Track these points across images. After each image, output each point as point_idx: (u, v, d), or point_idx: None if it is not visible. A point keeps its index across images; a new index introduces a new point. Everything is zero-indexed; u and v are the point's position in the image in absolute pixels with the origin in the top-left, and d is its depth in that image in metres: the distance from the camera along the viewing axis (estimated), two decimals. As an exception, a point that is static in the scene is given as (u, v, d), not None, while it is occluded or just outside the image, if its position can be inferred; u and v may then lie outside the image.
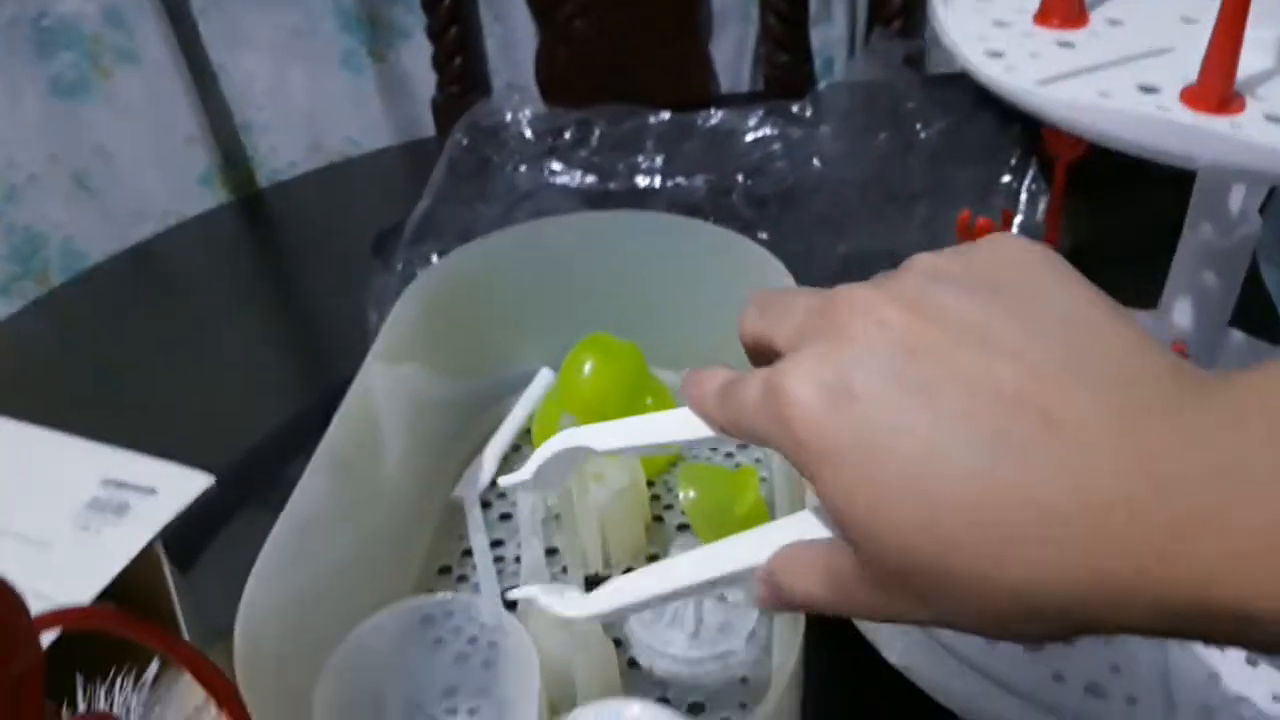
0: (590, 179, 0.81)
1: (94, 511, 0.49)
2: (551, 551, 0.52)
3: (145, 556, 0.48)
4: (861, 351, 0.24)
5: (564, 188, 0.81)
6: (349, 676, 0.41)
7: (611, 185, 0.81)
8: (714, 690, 0.46)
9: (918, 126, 0.79)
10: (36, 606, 0.29)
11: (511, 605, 0.43)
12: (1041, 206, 0.69)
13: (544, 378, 0.62)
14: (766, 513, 0.52)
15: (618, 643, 0.47)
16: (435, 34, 1.02)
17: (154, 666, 0.35)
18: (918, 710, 0.44)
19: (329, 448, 0.45)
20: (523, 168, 0.82)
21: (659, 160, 0.82)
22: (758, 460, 0.57)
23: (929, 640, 0.45)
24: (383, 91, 1.31)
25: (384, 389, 0.50)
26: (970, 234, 0.42)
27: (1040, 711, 0.42)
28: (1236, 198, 0.45)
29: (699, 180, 0.81)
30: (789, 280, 0.51)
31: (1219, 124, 0.33)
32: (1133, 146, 0.33)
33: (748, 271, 0.53)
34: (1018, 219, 0.67)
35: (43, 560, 0.48)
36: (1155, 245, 0.54)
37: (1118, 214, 0.73)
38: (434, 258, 0.70)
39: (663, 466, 0.57)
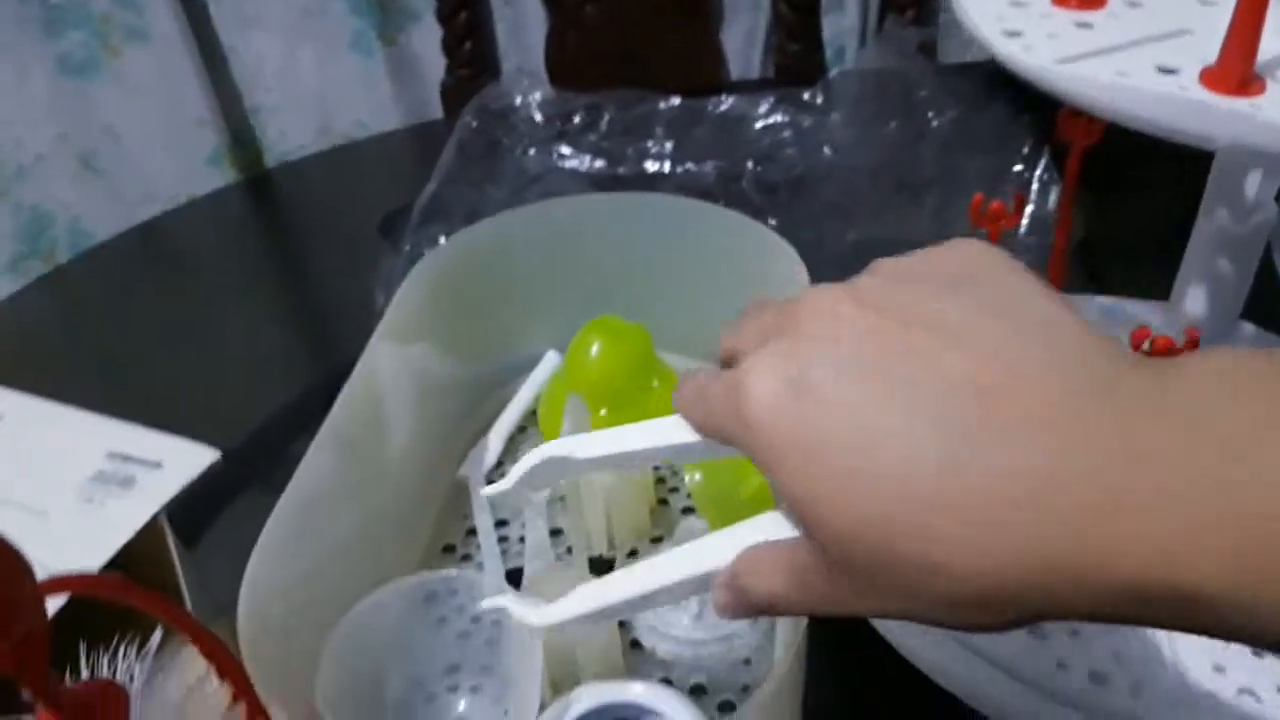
0: (599, 163, 0.81)
1: (99, 484, 0.49)
2: (556, 533, 0.52)
3: (150, 530, 0.48)
4: (818, 347, 0.25)
5: (573, 172, 0.81)
6: (351, 652, 0.41)
7: (621, 170, 0.81)
8: (717, 672, 0.46)
9: (929, 115, 0.79)
10: (40, 577, 0.29)
11: (516, 584, 0.43)
12: (1053, 196, 0.69)
13: (550, 360, 0.62)
14: (772, 497, 0.52)
15: (621, 624, 0.47)
16: (445, 17, 1.02)
17: (157, 637, 0.35)
18: (921, 695, 0.44)
19: (333, 425, 0.45)
20: (532, 151, 0.82)
21: (669, 146, 0.82)
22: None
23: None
24: (392, 75, 1.30)
25: (390, 369, 0.50)
26: (983, 219, 0.42)
27: (1043, 698, 0.42)
28: (1253, 183, 0.44)
29: (709, 166, 0.80)
30: (800, 265, 0.50)
31: (1239, 104, 0.33)
32: (1151, 126, 0.33)
33: (758, 255, 0.53)
34: (1029, 207, 0.67)
35: (47, 531, 0.48)
36: (1167, 238, 0.53)
37: (1130, 206, 0.72)
38: (442, 239, 0.70)
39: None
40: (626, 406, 0.55)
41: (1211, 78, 0.35)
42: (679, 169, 0.80)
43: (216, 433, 0.52)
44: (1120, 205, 0.70)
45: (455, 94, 1.03)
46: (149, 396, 0.68)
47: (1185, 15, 0.40)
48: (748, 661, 0.46)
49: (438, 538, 0.53)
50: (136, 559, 0.47)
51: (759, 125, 0.82)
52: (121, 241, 0.87)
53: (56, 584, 0.31)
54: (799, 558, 0.26)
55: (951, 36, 1.10)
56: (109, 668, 0.34)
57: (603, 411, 0.56)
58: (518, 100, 0.85)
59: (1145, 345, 0.36)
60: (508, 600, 0.35)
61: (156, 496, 0.48)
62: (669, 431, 0.32)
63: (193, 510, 0.54)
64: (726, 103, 0.83)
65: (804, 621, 0.36)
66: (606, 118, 0.84)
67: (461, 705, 0.45)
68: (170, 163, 1.28)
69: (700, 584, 0.30)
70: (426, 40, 1.27)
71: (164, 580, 0.48)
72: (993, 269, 0.25)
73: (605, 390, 0.55)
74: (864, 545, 0.23)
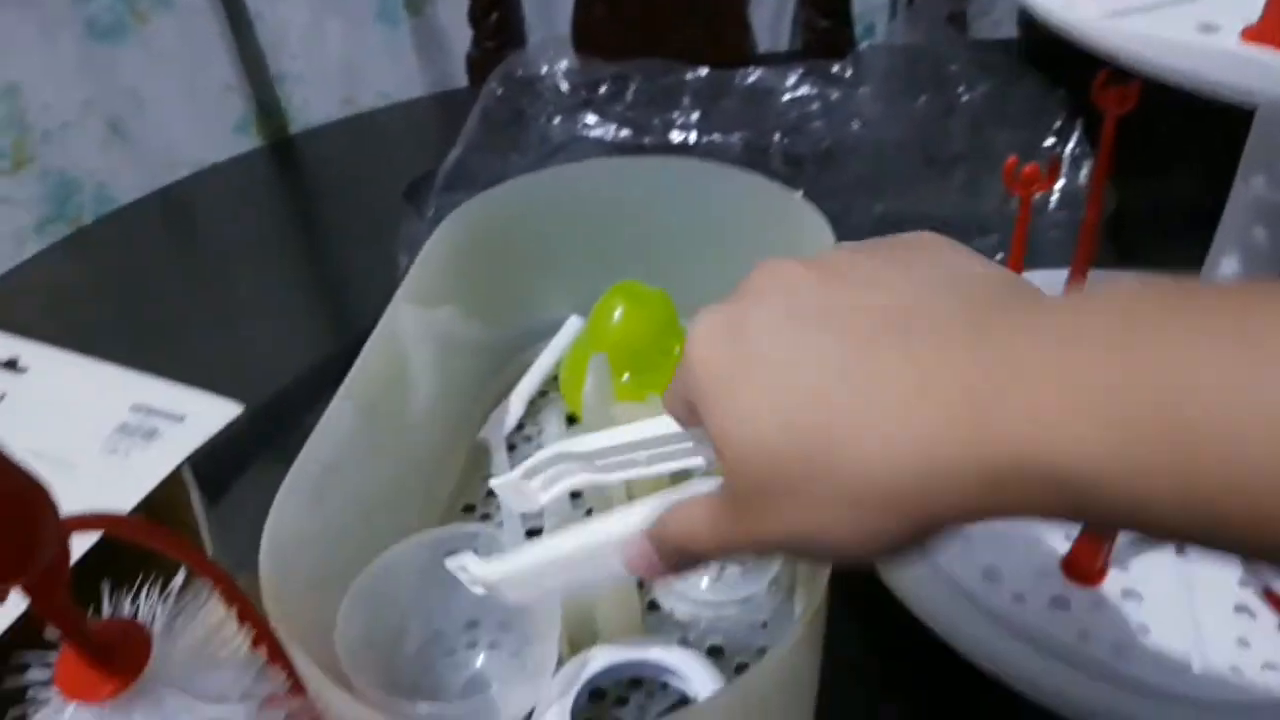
0: (625, 133, 0.80)
1: (123, 435, 0.49)
2: (576, 495, 0.52)
3: (173, 481, 0.48)
4: (760, 299, 0.27)
5: (598, 141, 0.80)
6: (372, 604, 0.41)
7: (646, 140, 0.80)
8: (734, 634, 0.45)
9: (960, 89, 0.78)
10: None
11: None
12: (1085, 171, 0.68)
13: (573, 325, 0.61)
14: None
15: (640, 584, 0.47)
16: (472, -13, 1.02)
17: (179, 580, 0.35)
18: (941, 662, 0.44)
19: (353, 382, 0.45)
20: (557, 120, 0.82)
21: (695, 116, 0.81)
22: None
23: (954, 592, 0.45)
24: (418, 46, 1.30)
25: (411, 329, 0.50)
26: (1016, 181, 0.41)
27: (1066, 667, 0.42)
28: (1293, 147, 0.43)
29: (735, 138, 0.80)
30: (827, 231, 0.50)
31: (1281, 59, 0.32)
32: (1192, 82, 0.32)
33: (784, 221, 0.52)
34: (1060, 182, 0.66)
35: (71, 481, 0.48)
36: (1199, 212, 0.53)
37: (1162, 183, 0.71)
38: (466, 205, 0.70)
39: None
40: (648, 371, 0.55)
41: (1253, 34, 0.34)
42: (705, 140, 0.80)
43: (239, 393, 0.52)
44: (1152, 181, 0.69)
45: (481, 65, 1.03)
46: (172, 356, 0.68)
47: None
48: (765, 625, 0.45)
49: (458, 497, 0.53)
50: (159, 511, 0.47)
51: (787, 97, 0.82)
52: (146, 204, 0.88)
53: (81, 521, 0.31)
54: (712, 500, 0.28)
55: (984, 15, 1.08)
56: (131, 608, 0.34)
57: (624, 377, 0.56)
58: (544, 69, 0.85)
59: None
60: (468, 558, 0.36)
61: (180, 448, 0.49)
62: (665, 424, 0.33)
63: (215, 470, 0.55)
64: (754, 74, 0.82)
65: (823, 584, 0.36)
66: (633, 87, 0.83)
67: (480, 661, 0.45)
68: (196, 130, 1.28)
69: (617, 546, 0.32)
70: (453, 11, 1.27)
71: (186, 532, 0.48)
72: (939, 247, 0.27)
73: (627, 355, 0.55)
74: (777, 462, 0.25)
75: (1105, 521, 0.22)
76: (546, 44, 0.88)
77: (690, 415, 0.29)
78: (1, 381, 0.53)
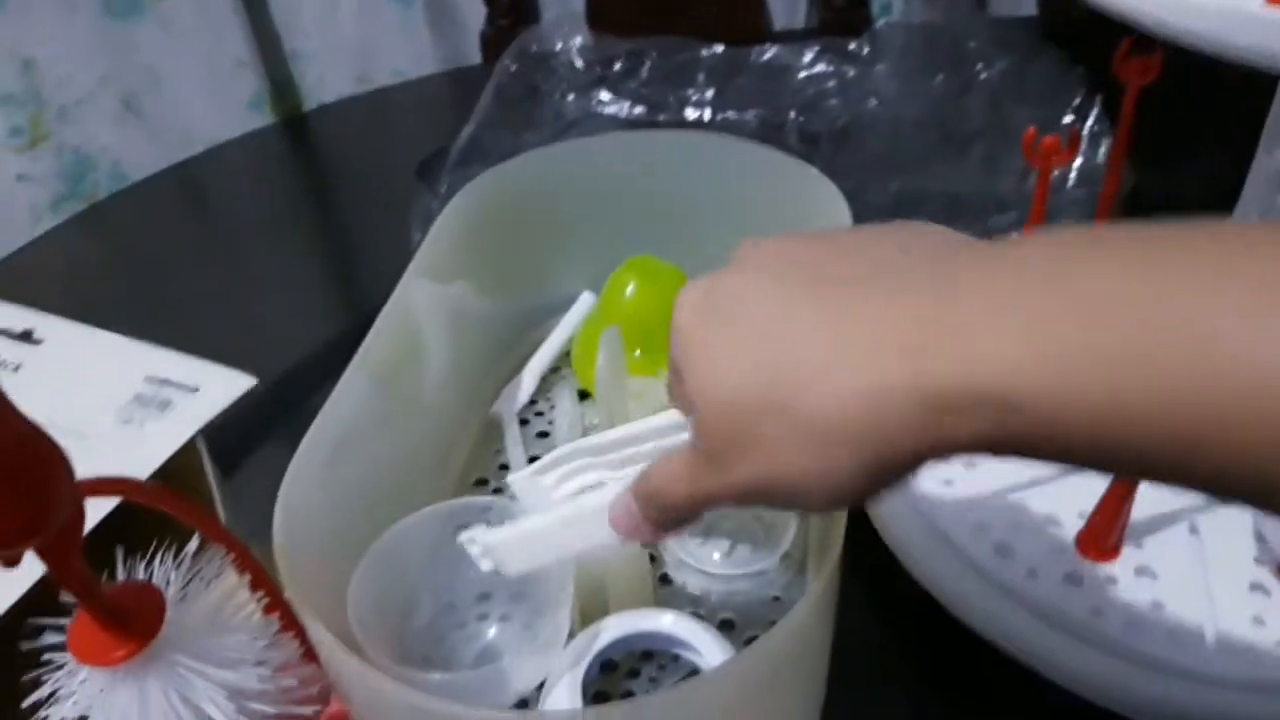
0: (639, 110, 0.80)
1: (137, 406, 0.49)
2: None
3: (187, 452, 0.48)
4: (743, 267, 0.28)
5: (612, 118, 0.80)
6: (384, 574, 0.41)
7: (661, 117, 0.80)
8: (745, 608, 0.45)
9: (978, 67, 0.77)
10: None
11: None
12: (1103, 149, 0.67)
13: (585, 301, 0.61)
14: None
15: (652, 558, 0.47)
16: (487, -36, 1.01)
17: (192, 546, 0.36)
18: (953, 638, 0.44)
19: (365, 356, 0.45)
20: (571, 96, 0.81)
21: (710, 94, 0.81)
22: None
23: (966, 568, 0.44)
24: (432, 23, 1.29)
25: (423, 303, 0.50)
26: (1035, 153, 0.41)
27: (1078, 644, 0.41)
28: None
29: (750, 115, 0.79)
30: (842, 205, 0.49)
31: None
32: (1215, 46, 0.32)
33: (801, 196, 0.52)
34: (1078, 161, 0.66)
35: (86, 451, 0.48)
36: (1220, 190, 0.52)
37: (1181, 162, 0.71)
38: (479, 181, 0.70)
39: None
40: (660, 348, 0.54)
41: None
42: (720, 117, 0.79)
43: (252, 368, 0.52)
44: (1171, 159, 0.69)
45: (495, 43, 1.02)
46: (186, 331, 0.68)
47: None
48: (777, 599, 0.45)
49: (470, 471, 0.53)
50: (173, 481, 0.47)
51: (803, 75, 0.81)
52: (160, 180, 0.88)
53: (97, 484, 0.31)
54: (687, 454, 0.29)
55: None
56: (145, 572, 0.34)
57: (636, 353, 0.56)
58: (558, 45, 0.84)
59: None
60: (478, 531, 0.37)
61: (194, 419, 0.49)
62: (676, 415, 0.35)
63: (228, 444, 0.55)
64: (770, 52, 0.82)
65: (835, 557, 0.35)
66: (647, 64, 0.82)
67: (492, 633, 0.45)
68: (211, 108, 1.28)
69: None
70: (468, -11, 1.26)
71: (201, 502, 0.48)
72: (918, 226, 0.28)
73: (639, 331, 0.55)
74: (740, 406, 0.26)
75: (1041, 451, 0.23)
76: (561, 20, 0.87)
77: (678, 384, 0.30)
78: (17, 353, 0.54)
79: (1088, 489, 0.45)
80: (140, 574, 0.34)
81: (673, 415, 0.36)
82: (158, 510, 0.35)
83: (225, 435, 0.52)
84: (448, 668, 0.43)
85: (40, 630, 0.32)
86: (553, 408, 0.57)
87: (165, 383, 0.51)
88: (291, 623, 0.38)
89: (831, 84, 0.80)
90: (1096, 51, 0.48)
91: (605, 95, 0.81)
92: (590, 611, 0.44)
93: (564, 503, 0.36)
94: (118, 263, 0.80)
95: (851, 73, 0.80)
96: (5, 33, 1.16)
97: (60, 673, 0.32)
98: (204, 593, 0.35)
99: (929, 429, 0.23)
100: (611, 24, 0.95)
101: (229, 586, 0.37)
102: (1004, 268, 0.24)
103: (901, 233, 0.28)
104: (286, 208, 0.84)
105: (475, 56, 1.07)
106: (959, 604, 0.44)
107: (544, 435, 0.55)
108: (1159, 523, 0.46)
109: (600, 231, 0.59)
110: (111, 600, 0.31)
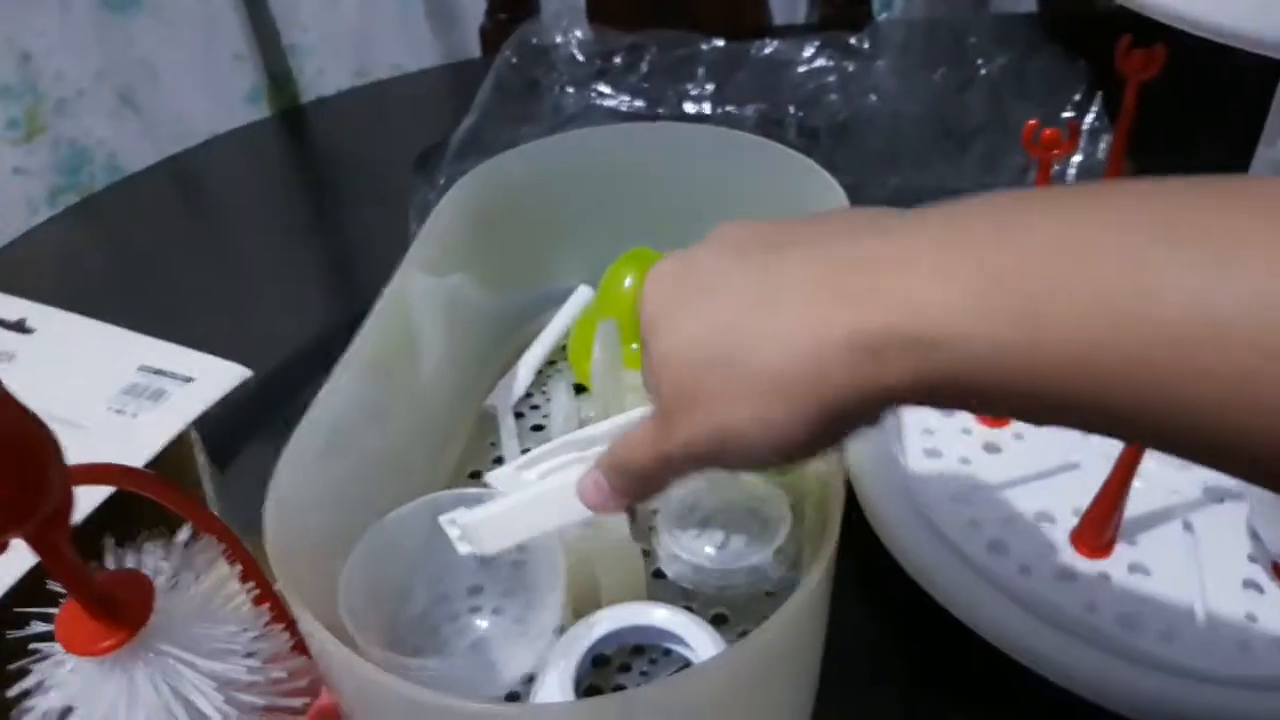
0: (639, 103, 0.80)
1: (130, 396, 0.49)
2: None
3: (180, 443, 0.48)
4: (708, 245, 0.30)
5: (611, 111, 0.79)
6: (376, 563, 0.41)
7: (660, 111, 0.79)
8: (738, 603, 0.45)
9: (978, 62, 0.77)
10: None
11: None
12: (1103, 145, 0.67)
13: (582, 294, 0.61)
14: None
15: (645, 552, 0.47)
16: (486, -43, 1.01)
17: (183, 535, 0.35)
18: (947, 634, 0.44)
19: (360, 346, 0.44)
20: (570, 90, 0.81)
21: (710, 88, 0.80)
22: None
23: (961, 565, 0.44)
24: (431, 16, 1.29)
25: (419, 294, 0.50)
26: (1036, 145, 0.40)
27: (1072, 639, 0.41)
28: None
29: (750, 110, 0.79)
30: (841, 197, 0.49)
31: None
32: (1218, 31, 0.31)
33: (798, 189, 0.52)
34: (1078, 157, 0.65)
35: (79, 441, 0.48)
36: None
37: (1181, 155, 0.70)
38: (477, 174, 0.69)
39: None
40: (657, 341, 0.54)
41: (1283, -7, 0.33)
42: (720, 111, 0.79)
43: (247, 361, 0.52)
44: (1171, 155, 0.68)
45: (494, 37, 1.01)
46: (182, 324, 0.67)
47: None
48: (770, 593, 0.45)
49: (465, 464, 0.53)
50: (167, 472, 0.47)
51: (803, 70, 0.81)
52: (156, 172, 0.87)
53: (87, 471, 0.31)
54: (648, 420, 0.31)
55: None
56: (135, 563, 0.34)
57: (634, 346, 0.55)
58: (558, 39, 0.84)
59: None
60: (458, 513, 0.38)
61: (187, 409, 0.49)
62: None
63: (222, 436, 0.55)
64: (770, 46, 0.81)
65: (829, 552, 0.35)
66: (647, 58, 0.82)
67: (484, 625, 0.45)
68: (208, 101, 1.27)
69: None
70: (466, -18, 1.26)
71: (193, 493, 0.48)
72: (882, 208, 0.29)
73: (636, 325, 0.55)
74: (694, 366, 0.27)
75: (972, 396, 0.24)
76: (561, 14, 0.87)
77: (645, 355, 0.31)
78: (10, 342, 0.53)
79: (1082, 485, 0.45)
80: (130, 563, 0.34)
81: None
82: (149, 500, 0.34)
83: (219, 426, 0.52)
84: (440, 659, 0.43)
85: (27, 619, 0.32)
86: (548, 401, 0.57)
87: (159, 373, 0.51)
88: (282, 614, 0.37)
89: (831, 79, 0.80)
90: (1097, 47, 0.48)
91: (605, 89, 0.81)
92: (582, 605, 0.43)
93: (536, 483, 0.36)
94: (113, 255, 0.80)
95: (851, 68, 0.80)
96: (2, 26, 1.16)
97: (47, 662, 0.32)
98: (194, 583, 0.35)
99: (861, 373, 0.25)
100: (611, 18, 0.94)
101: (220, 577, 0.37)
102: (936, 220, 0.25)
103: (863, 212, 0.29)
104: (284, 200, 0.84)
105: (474, 50, 1.07)
106: (952, 600, 0.44)
107: (539, 429, 0.55)
108: (1153, 519, 0.46)
109: (597, 224, 0.58)
110: (100, 589, 0.31)
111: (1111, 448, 0.43)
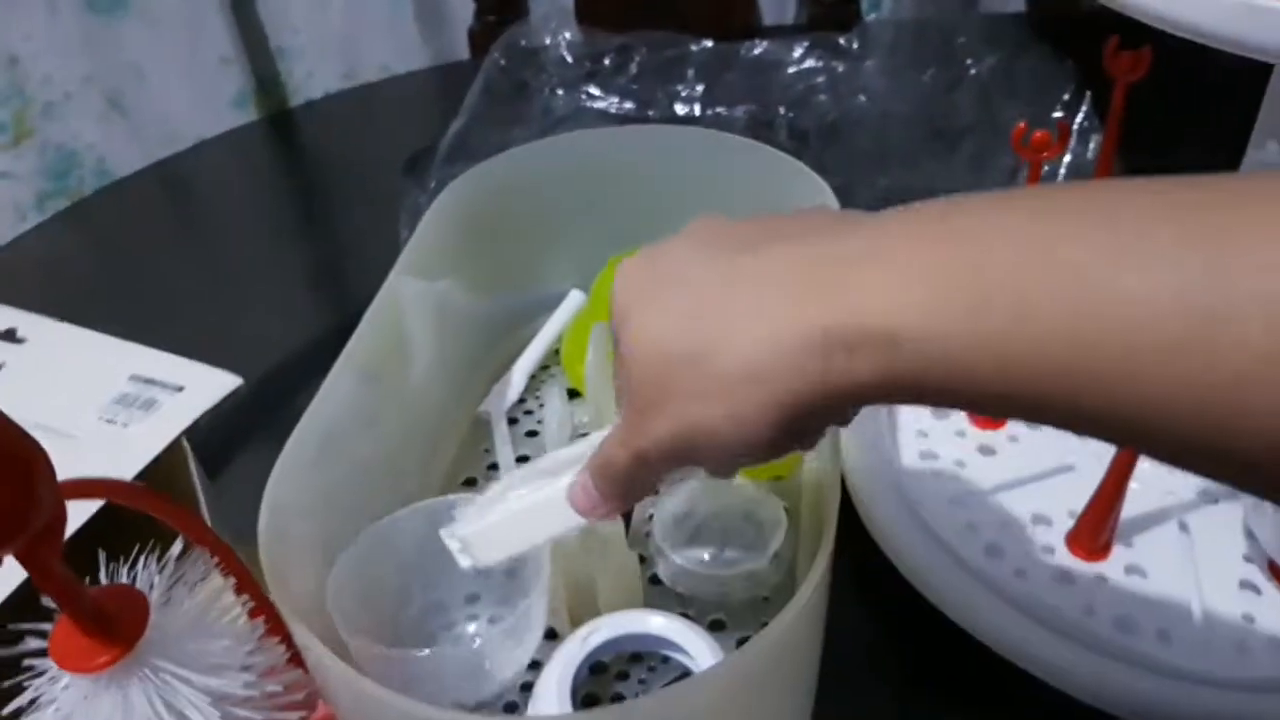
0: (628, 105, 0.79)
1: (121, 406, 0.49)
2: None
3: (172, 453, 0.48)
4: (681, 238, 0.30)
5: (601, 113, 0.79)
6: (368, 567, 0.41)
7: (650, 113, 0.79)
8: (736, 609, 0.45)
9: (967, 63, 0.77)
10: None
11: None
12: (1093, 144, 0.67)
13: (574, 299, 0.61)
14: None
15: (642, 559, 0.46)
16: (475, -41, 1.00)
17: (176, 549, 0.35)
18: (943, 637, 0.44)
19: (351, 353, 0.44)
20: (560, 92, 0.81)
21: (699, 89, 0.80)
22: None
23: (957, 568, 0.44)
24: (420, 18, 1.29)
25: (411, 300, 0.49)
26: (1025, 147, 0.40)
27: (1068, 642, 0.41)
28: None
29: (739, 111, 0.79)
30: (831, 198, 0.49)
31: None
32: (1206, 35, 0.31)
33: (790, 191, 0.52)
34: (1067, 157, 0.65)
35: (70, 451, 0.47)
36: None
37: (1170, 156, 0.71)
38: (467, 177, 0.69)
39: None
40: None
41: (1274, -1, 0.33)
42: (709, 113, 0.79)
43: (238, 368, 0.51)
44: (1160, 155, 0.69)
45: (483, 39, 1.01)
46: (171, 331, 0.67)
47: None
48: (767, 600, 0.45)
49: (459, 470, 0.53)
50: (159, 482, 0.47)
51: (792, 70, 0.80)
52: (144, 177, 0.87)
53: (79, 486, 0.31)
54: (621, 420, 0.31)
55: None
56: (128, 576, 0.34)
57: (627, 350, 0.55)
58: (547, 40, 0.84)
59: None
60: (458, 525, 0.37)
61: (179, 419, 0.48)
62: None
63: (214, 445, 0.54)
64: (760, 47, 0.81)
65: (826, 558, 0.35)
66: (636, 60, 0.82)
67: (479, 635, 0.44)
68: (196, 105, 1.27)
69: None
70: (455, -15, 1.25)
71: (186, 503, 0.48)
72: (850, 210, 0.29)
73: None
74: (664, 361, 0.28)
75: (930, 391, 0.24)
76: (550, 15, 0.87)
77: (615, 348, 0.30)
78: (0, 352, 0.53)
79: (1077, 488, 0.45)
80: (123, 578, 0.34)
81: None
82: (142, 512, 0.34)
83: (211, 436, 0.51)
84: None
85: (20, 636, 0.32)
86: (542, 406, 0.57)
87: (150, 382, 0.50)
88: (277, 626, 0.37)
89: (821, 80, 0.80)
90: (1085, 48, 0.48)
91: (594, 91, 0.81)
92: (580, 613, 0.43)
93: (532, 493, 0.36)
94: (102, 260, 0.79)
95: (841, 68, 0.80)
96: (-12, 29, 1.15)
97: (41, 679, 0.32)
98: (188, 597, 0.35)
99: (824, 369, 0.25)
100: (600, 19, 0.94)
101: (214, 590, 0.36)
102: (907, 219, 0.25)
103: (836, 211, 0.29)
104: (273, 205, 0.84)
105: (463, 52, 1.06)
106: (948, 603, 0.44)
107: (533, 434, 0.55)
108: (1149, 521, 0.46)
109: (589, 228, 0.58)
110: (94, 605, 0.31)
111: (1107, 450, 0.43)
